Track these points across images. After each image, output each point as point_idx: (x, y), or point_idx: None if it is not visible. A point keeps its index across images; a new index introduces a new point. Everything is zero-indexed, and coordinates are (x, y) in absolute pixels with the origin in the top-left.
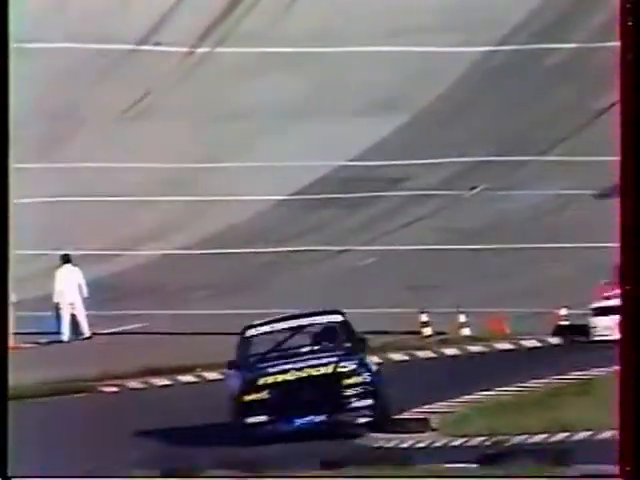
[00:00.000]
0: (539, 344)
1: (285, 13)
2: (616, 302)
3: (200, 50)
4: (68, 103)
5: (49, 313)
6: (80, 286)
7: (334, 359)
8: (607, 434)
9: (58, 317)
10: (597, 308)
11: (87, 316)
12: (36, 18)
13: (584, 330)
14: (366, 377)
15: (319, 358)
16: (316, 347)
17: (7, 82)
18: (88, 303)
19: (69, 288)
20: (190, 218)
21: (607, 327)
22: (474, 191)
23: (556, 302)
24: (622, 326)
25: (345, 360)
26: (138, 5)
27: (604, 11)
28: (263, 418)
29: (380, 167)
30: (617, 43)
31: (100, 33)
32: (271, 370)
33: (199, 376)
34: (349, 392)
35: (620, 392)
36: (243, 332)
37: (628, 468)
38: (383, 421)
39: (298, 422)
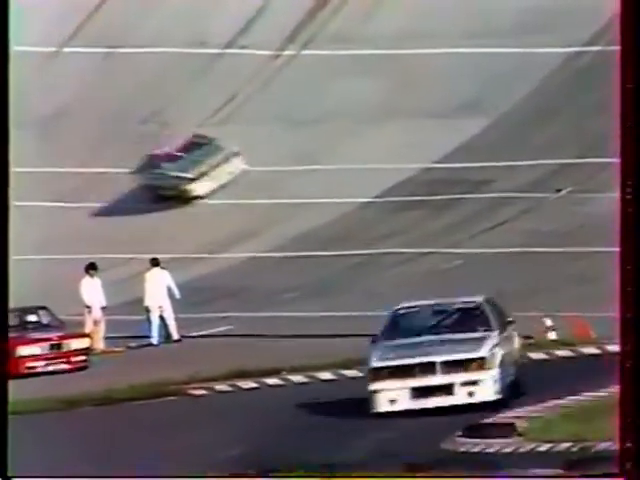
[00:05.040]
0: None
1: (369, 16)
2: None
3: (286, 53)
4: (156, 107)
5: (140, 317)
6: (170, 289)
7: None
8: None
9: (148, 320)
10: None
11: (176, 319)
12: (124, 23)
13: None
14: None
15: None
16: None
17: (7, 86)
18: (177, 306)
19: (158, 291)
20: (276, 221)
21: None
22: (559, 194)
23: None
24: (622, 325)
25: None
26: (225, 8)
27: None
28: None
29: (465, 169)
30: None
31: (187, 37)
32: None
33: (285, 379)
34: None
35: (620, 391)
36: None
37: (628, 467)
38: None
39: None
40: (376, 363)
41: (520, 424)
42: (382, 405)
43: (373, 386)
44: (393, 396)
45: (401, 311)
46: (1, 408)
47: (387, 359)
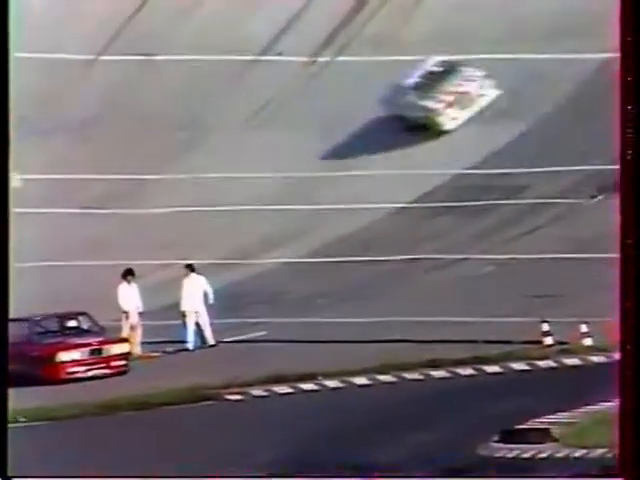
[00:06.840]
0: None
1: (405, 21)
2: None
3: (321, 59)
4: (192, 114)
5: (176, 322)
6: (206, 294)
7: None
8: None
9: (185, 326)
10: None
11: (211, 324)
12: (161, 30)
13: None
14: None
15: None
16: None
17: (7, 92)
18: (212, 311)
19: (194, 297)
20: (310, 226)
21: None
22: (594, 200)
23: None
24: (622, 321)
25: None
26: (261, 15)
27: None
28: None
29: (499, 175)
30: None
31: (223, 44)
32: None
33: (320, 384)
34: None
35: (620, 389)
36: None
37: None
38: None
39: None
40: None
41: (555, 429)
42: None
43: None
44: None
45: None
46: (1, 409)
47: None
